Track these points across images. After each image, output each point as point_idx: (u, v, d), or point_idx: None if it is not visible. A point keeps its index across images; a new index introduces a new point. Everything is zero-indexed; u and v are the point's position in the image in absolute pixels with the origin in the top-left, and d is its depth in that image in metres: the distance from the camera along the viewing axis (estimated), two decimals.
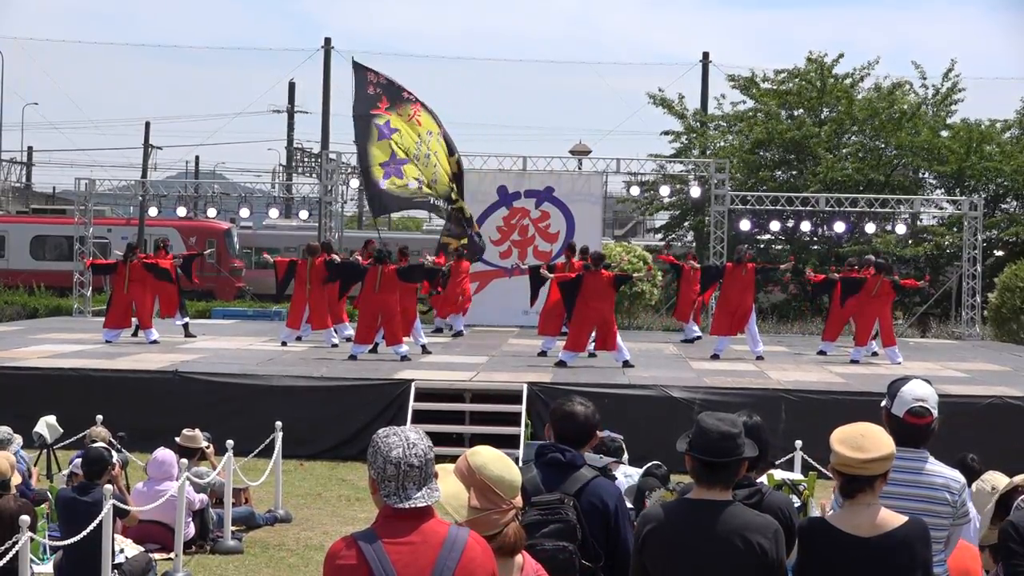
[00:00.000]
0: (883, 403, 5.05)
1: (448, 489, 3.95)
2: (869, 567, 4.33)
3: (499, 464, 4.02)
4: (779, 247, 34.41)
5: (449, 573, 3.60)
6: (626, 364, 17.11)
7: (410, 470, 3.64)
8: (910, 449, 4.87)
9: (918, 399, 4.91)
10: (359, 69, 22.46)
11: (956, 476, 4.91)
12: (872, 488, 4.43)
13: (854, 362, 18.56)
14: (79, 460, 9.99)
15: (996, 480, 6.09)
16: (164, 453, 10.47)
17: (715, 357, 18.77)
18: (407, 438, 3.69)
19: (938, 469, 4.90)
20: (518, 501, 4.05)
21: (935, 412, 4.94)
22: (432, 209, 24.73)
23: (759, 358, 18.69)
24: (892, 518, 4.41)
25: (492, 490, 3.97)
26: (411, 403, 14.75)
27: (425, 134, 22.51)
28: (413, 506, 3.63)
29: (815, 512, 6.61)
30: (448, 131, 23.18)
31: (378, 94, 22.21)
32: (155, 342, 19.33)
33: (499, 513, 3.98)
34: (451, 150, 23.00)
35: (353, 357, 17.25)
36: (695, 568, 4.29)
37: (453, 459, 4.19)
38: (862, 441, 4.42)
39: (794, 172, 34.21)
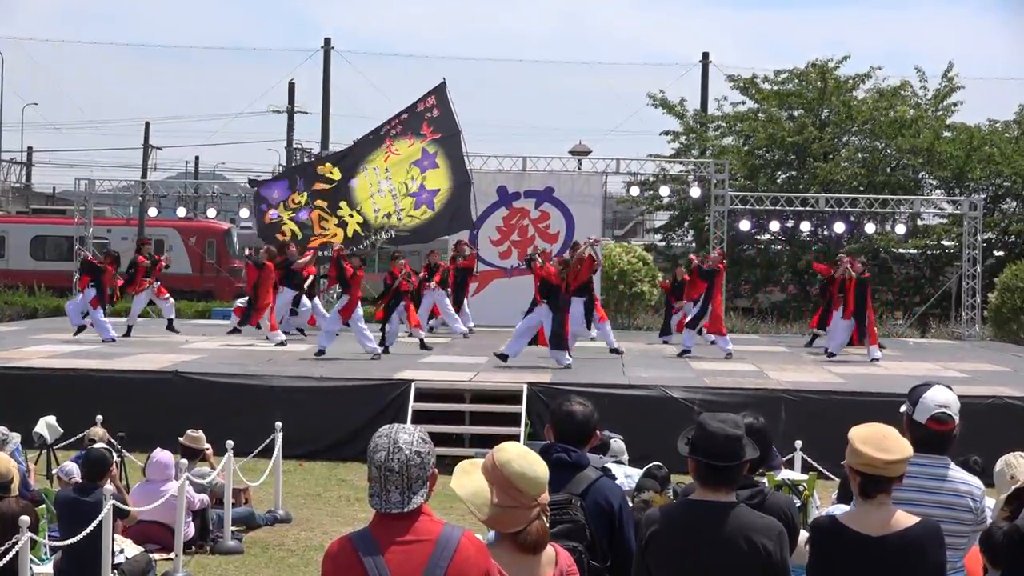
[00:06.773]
0: (903, 408, 4.95)
1: (472, 486, 3.94)
2: (881, 566, 4.31)
3: (523, 461, 4.00)
4: (779, 247, 34.41)
5: (441, 572, 3.60)
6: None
7: (390, 475, 3.63)
8: (932, 456, 4.81)
9: (941, 405, 4.85)
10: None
11: (978, 483, 4.87)
12: (890, 489, 4.40)
13: (875, 360, 18.69)
14: (72, 466, 10.00)
15: (1018, 469, 5.93)
16: (162, 454, 10.47)
17: (728, 356, 18.72)
18: (394, 441, 3.67)
19: (961, 476, 4.84)
20: (544, 498, 4.02)
21: (957, 418, 4.87)
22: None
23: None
24: (904, 518, 4.38)
25: (513, 486, 3.94)
26: (411, 403, 14.74)
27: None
28: (389, 512, 3.63)
29: (816, 512, 6.60)
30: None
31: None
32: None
33: (522, 510, 3.96)
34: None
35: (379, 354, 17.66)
36: (699, 570, 4.28)
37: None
38: (886, 443, 4.38)
39: (794, 172, 34.19)
